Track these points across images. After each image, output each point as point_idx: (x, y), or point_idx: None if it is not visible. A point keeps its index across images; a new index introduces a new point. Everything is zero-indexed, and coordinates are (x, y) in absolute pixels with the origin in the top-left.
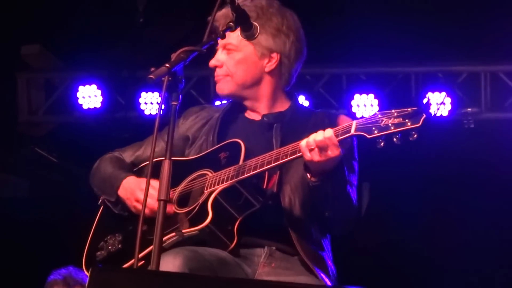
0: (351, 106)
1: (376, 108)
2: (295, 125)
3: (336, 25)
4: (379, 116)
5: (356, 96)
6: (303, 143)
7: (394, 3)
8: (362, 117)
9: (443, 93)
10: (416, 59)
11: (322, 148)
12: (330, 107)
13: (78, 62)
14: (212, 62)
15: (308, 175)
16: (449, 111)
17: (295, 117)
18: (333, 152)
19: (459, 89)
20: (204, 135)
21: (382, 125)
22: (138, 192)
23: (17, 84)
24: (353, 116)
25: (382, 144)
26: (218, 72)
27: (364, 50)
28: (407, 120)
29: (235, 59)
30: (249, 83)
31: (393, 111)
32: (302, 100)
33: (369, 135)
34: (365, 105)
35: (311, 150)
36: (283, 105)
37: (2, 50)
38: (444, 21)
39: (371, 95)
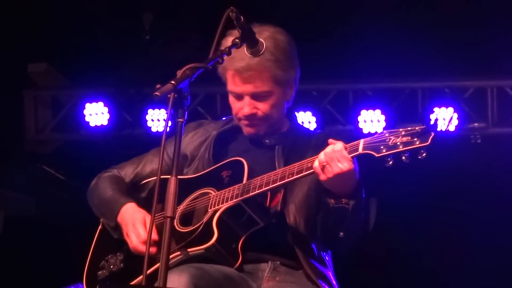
0: (358, 122)
1: (383, 124)
2: (296, 146)
3: (342, 41)
4: (387, 134)
5: (363, 111)
6: (316, 164)
7: (400, 19)
8: (369, 134)
9: (450, 108)
10: (422, 75)
11: (332, 160)
12: (337, 123)
13: (85, 79)
14: (247, 110)
15: (328, 198)
16: (456, 126)
17: (296, 138)
18: (344, 164)
19: (466, 104)
20: (201, 154)
21: (390, 144)
22: (130, 227)
23: (24, 102)
24: (359, 132)
25: (390, 163)
26: (254, 117)
27: (371, 65)
28: (415, 139)
29: (270, 104)
30: (281, 117)
31: (400, 129)
32: (309, 116)
33: (377, 154)
34: (372, 120)
35: (323, 167)
36: (283, 125)
37: (9, 68)
38: (451, 36)
39: (378, 111)
